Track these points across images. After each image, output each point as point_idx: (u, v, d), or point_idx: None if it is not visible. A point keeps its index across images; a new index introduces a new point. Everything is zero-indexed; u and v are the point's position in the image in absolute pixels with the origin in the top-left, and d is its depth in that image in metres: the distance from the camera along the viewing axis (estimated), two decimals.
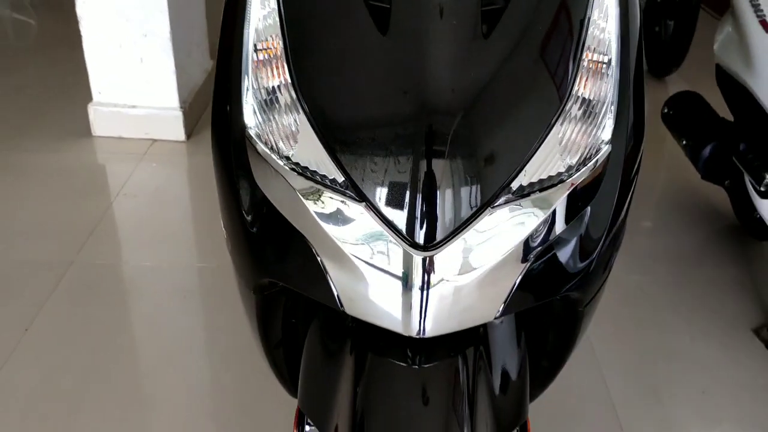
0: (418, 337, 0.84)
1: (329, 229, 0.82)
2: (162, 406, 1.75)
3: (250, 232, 0.92)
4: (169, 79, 2.92)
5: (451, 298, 0.82)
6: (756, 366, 1.94)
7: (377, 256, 0.81)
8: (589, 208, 0.88)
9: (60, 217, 2.46)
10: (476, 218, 0.80)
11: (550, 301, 0.96)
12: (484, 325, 1.00)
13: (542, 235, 0.84)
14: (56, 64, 3.69)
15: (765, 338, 2.02)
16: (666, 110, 2.41)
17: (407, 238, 0.79)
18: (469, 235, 0.80)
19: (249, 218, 0.92)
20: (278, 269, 0.93)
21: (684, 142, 2.26)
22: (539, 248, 0.84)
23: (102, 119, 2.98)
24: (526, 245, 0.83)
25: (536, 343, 1.09)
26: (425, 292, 0.81)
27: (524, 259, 0.84)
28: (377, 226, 0.80)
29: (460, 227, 0.80)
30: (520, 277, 0.85)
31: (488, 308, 0.86)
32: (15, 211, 2.50)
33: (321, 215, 0.82)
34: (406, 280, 0.81)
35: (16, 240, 2.34)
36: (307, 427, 1.11)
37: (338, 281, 0.85)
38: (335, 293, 0.86)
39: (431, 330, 0.84)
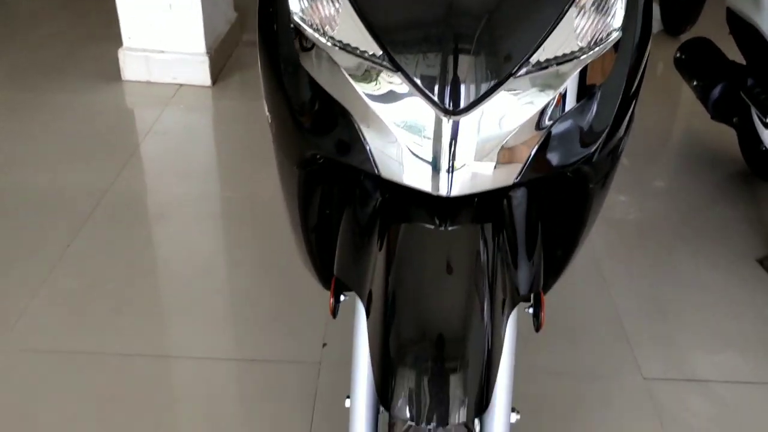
0: (445, 195, 0.94)
1: (368, 99, 0.92)
2: (197, 310, 1.88)
3: (296, 110, 1.03)
4: (196, 25, 3.02)
5: (476, 160, 0.92)
6: (759, 291, 2.03)
7: (410, 121, 0.91)
8: (600, 88, 0.98)
9: (95, 151, 2.59)
10: (500, 87, 0.90)
11: (563, 177, 1.06)
12: (503, 202, 1.10)
13: (558, 107, 0.94)
14: (87, 14, 3.80)
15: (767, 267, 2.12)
16: (678, 55, 2.49)
17: (438, 103, 0.89)
18: (494, 101, 0.90)
19: (295, 98, 1.02)
20: (322, 142, 1.03)
21: (695, 83, 2.34)
22: (555, 119, 0.94)
23: (131, 63, 3.09)
24: (543, 115, 0.93)
25: (550, 225, 1.19)
26: (452, 153, 0.91)
27: (541, 127, 0.94)
28: (411, 94, 0.90)
29: (485, 94, 0.89)
30: (537, 145, 0.95)
31: (509, 171, 0.96)
32: (54, 144, 2.63)
33: (361, 86, 0.92)
34: (436, 142, 0.91)
35: (55, 169, 2.47)
36: (342, 297, 1.22)
37: (375, 147, 0.95)
38: (372, 158, 0.96)
39: (457, 189, 0.94)
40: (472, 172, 0.93)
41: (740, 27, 2.15)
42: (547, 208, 1.17)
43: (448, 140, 0.90)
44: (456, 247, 1.04)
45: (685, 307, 1.96)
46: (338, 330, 1.82)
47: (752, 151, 2.47)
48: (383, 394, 0.96)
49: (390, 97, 0.92)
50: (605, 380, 1.72)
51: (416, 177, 0.94)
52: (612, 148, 1.05)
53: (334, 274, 1.17)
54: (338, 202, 1.20)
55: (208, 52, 3.08)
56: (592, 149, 1.00)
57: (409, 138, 0.92)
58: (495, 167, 0.94)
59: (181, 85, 3.10)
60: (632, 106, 1.04)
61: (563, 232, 1.19)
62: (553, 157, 0.98)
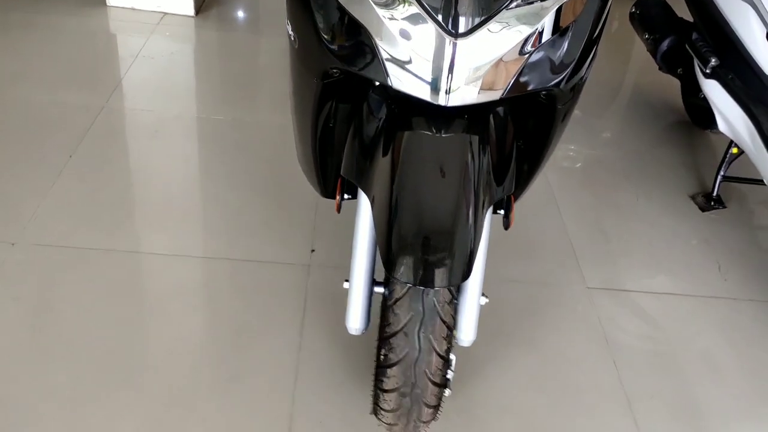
0: (443, 105, 1.17)
1: (386, 20, 1.13)
2: (194, 217, 2.08)
3: (321, 28, 1.22)
4: None
5: (471, 75, 1.14)
6: (688, 221, 2.34)
7: (420, 41, 1.13)
8: (571, 26, 1.21)
9: (87, 72, 2.72)
10: (494, 17, 1.11)
11: (537, 100, 1.30)
12: (487, 119, 1.33)
13: (537, 39, 1.17)
14: None
15: (698, 203, 2.42)
16: (633, 10, 2.74)
17: (443, 27, 1.10)
18: (488, 29, 1.12)
19: (320, 17, 1.22)
20: (344, 56, 1.23)
21: (647, 36, 2.60)
22: (535, 48, 1.17)
23: None
24: (526, 44, 1.16)
25: (524, 140, 1.43)
26: (452, 70, 1.13)
27: (523, 54, 1.17)
28: (422, 19, 1.11)
29: (482, 22, 1.11)
30: (520, 69, 1.17)
31: (496, 88, 1.19)
32: (47, 65, 2.75)
33: (381, 10, 1.13)
34: (439, 60, 1.13)
35: (52, 87, 2.60)
36: (346, 196, 1.45)
37: (388, 62, 1.17)
38: (385, 71, 1.17)
39: (454, 100, 1.16)
40: (467, 87, 1.16)
41: None
42: (522, 125, 1.41)
43: (449, 59, 1.12)
44: (449, 153, 1.26)
45: (625, 233, 2.25)
46: (325, 237, 2.06)
47: (691, 101, 2.77)
48: (389, 265, 1.20)
49: (404, 21, 1.13)
50: (555, 287, 2.00)
51: (421, 88, 1.16)
52: (578, 77, 1.28)
53: (341, 174, 1.39)
54: (347, 115, 1.41)
55: None
56: (562, 75, 1.24)
57: (418, 55, 1.13)
58: (485, 84, 1.17)
59: (165, 13, 3.22)
60: (595, 45, 1.27)
61: (533, 147, 1.44)
62: (532, 79, 1.21)
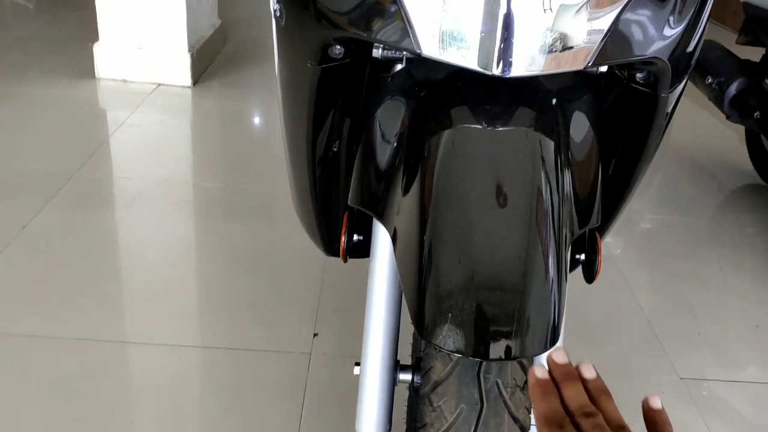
0: (500, 75, 0.75)
1: None
2: (166, 296, 1.64)
3: None
4: (179, 20, 2.85)
5: (540, 29, 0.73)
6: None
7: None
8: None
9: (63, 140, 2.36)
10: None
11: (631, 88, 0.88)
12: (565, 110, 0.91)
13: None
14: (63, 19, 3.62)
15: None
16: None
17: None
18: None
19: None
20: (349, 19, 0.83)
21: (709, 81, 2.21)
22: None
23: (107, 60, 2.89)
24: None
25: (612, 145, 0.99)
26: (512, 17, 0.72)
27: (615, 1, 0.76)
28: None
29: None
30: (613, 20, 0.76)
31: (579, 52, 0.77)
32: (18, 133, 2.40)
33: None
34: (490, 5, 0.72)
35: (18, 157, 2.23)
36: (355, 237, 1.01)
37: (415, 14, 0.76)
38: (412, 31, 0.77)
39: (517, 67, 0.74)
40: (535, 46, 0.74)
41: (759, 20, 2.04)
42: (610, 123, 0.98)
43: (505, 4, 0.71)
44: (510, 158, 0.83)
45: (716, 310, 1.77)
46: (331, 318, 1.60)
47: (761, 156, 2.36)
48: (423, 325, 0.74)
49: None
50: (639, 378, 1.50)
51: (466, 52, 0.75)
52: (690, 47, 0.86)
53: (349, 203, 0.95)
54: (356, 115, 0.99)
55: (190, 51, 2.90)
56: (672, 38, 0.82)
57: (460, 2, 0.73)
58: (563, 43, 0.75)
59: (159, 84, 2.91)
60: (708, 13, 0.87)
61: (624, 155, 1.00)
62: (631, 40, 0.79)
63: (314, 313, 1.61)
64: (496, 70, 0.75)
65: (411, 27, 0.76)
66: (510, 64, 0.75)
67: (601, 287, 1.82)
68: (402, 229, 0.82)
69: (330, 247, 1.16)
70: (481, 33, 0.74)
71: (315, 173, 1.03)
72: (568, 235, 0.84)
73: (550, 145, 0.84)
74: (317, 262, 1.76)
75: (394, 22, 0.77)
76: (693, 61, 0.91)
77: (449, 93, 0.86)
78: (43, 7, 4.11)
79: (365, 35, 0.82)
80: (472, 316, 0.71)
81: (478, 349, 0.70)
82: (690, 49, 0.89)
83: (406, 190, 0.83)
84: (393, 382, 0.94)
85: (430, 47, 0.77)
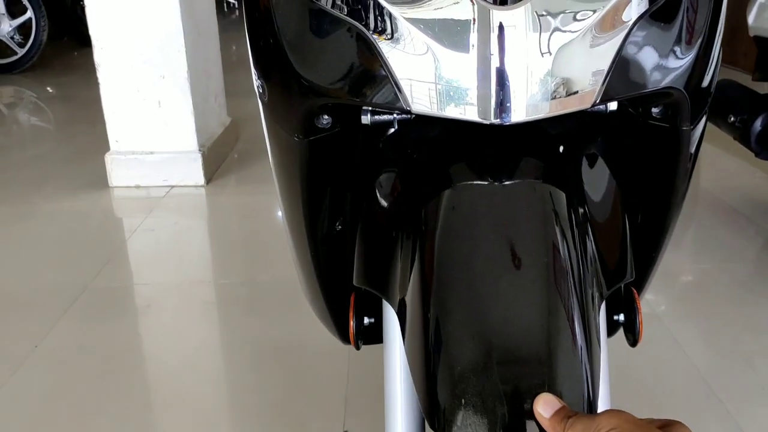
0: (499, 123, 0.68)
1: (393, 7, 0.67)
2: (187, 404, 1.54)
3: (292, 57, 0.77)
4: (187, 120, 2.86)
5: (538, 68, 0.66)
6: None
7: (448, 26, 0.66)
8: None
9: (76, 251, 2.32)
10: None
11: (648, 124, 0.80)
12: (576, 158, 0.83)
13: (641, 3, 0.69)
14: (76, 134, 3.68)
15: None
16: None
17: None
18: None
19: (289, 34, 0.77)
20: (333, 84, 0.77)
21: (732, 119, 2.13)
22: (640, 16, 0.69)
23: (119, 167, 2.89)
24: (621, 13, 0.68)
25: (636, 190, 0.90)
26: (506, 59, 0.65)
27: (619, 28, 0.69)
28: None
29: None
30: (617, 54, 0.69)
31: (585, 88, 0.69)
32: (32, 249, 2.37)
33: None
34: (483, 47, 0.65)
35: (30, 272, 2.19)
36: (366, 319, 0.92)
37: (402, 73, 0.70)
38: (399, 90, 0.70)
39: (516, 112, 0.67)
40: (535, 86, 0.67)
41: None
42: (632, 167, 0.89)
43: (497, 41, 0.65)
44: (520, 216, 0.74)
45: None
46: (360, 413, 1.49)
47: None
48: (436, 420, 0.65)
49: (423, 7, 0.67)
50: None
51: (461, 103, 0.68)
52: (707, 65, 0.78)
53: (354, 283, 0.87)
54: (351, 189, 0.92)
55: (200, 150, 2.90)
56: (685, 65, 0.74)
57: (445, 43, 0.66)
58: (566, 83, 0.68)
59: (172, 186, 2.89)
60: (723, 10, 0.79)
61: (652, 200, 0.90)
62: (639, 71, 0.72)
63: (342, 409, 1.49)
64: (495, 118, 0.67)
65: (399, 85, 0.70)
66: (509, 109, 0.67)
67: (649, 348, 1.69)
68: (407, 306, 0.73)
69: (343, 333, 1.07)
70: (476, 81, 0.67)
71: (318, 253, 0.95)
72: (596, 294, 0.74)
73: (562, 196, 0.76)
74: (341, 353, 1.66)
75: (381, 81, 0.71)
76: (712, 90, 0.83)
77: (444, 150, 0.79)
78: (61, 126, 4.20)
79: (351, 99, 0.75)
80: (490, 400, 0.61)
81: None
82: (707, 76, 0.80)
83: (407, 263, 0.75)
84: None
85: (421, 103, 0.70)
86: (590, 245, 0.77)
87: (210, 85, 3.09)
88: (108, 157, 2.90)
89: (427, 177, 0.79)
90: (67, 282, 2.09)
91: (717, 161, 2.96)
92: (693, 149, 0.85)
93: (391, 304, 0.78)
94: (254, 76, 0.87)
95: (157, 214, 2.63)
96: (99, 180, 2.92)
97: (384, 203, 0.85)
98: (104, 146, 2.93)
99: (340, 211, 0.93)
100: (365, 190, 0.87)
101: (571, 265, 0.71)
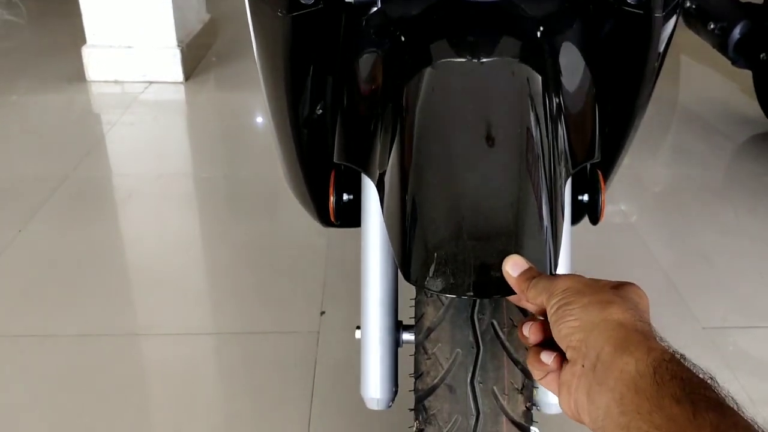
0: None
1: None
2: (170, 286, 1.60)
3: None
4: (166, 15, 2.80)
5: None
6: None
7: None
8: None
9: (57, 143, 2.32)
10: None
11: (623, 10, 0.82)
12: (553, 38, 0.86)
13: None
14: (50, 29, 3.60)
15: None
16: (689, 5, 2.30)
17: None
18: None
19: None
20: None
21: (711, 27, 2.15)
22: None
23: (96, 61, 2.85)
24: None
25: (607, 74, 0.93)
26: None
27: None
28: None
29: None
30: None
31: None
32: (11, 139, 2.37)
33: None
34: None
35: (11, 162, 2.20)
36: (345, 196, 0.96)
37: None
38: None
39: None
40: None
41: None
42: (605, 53, 0.92)
43: None
44: (494, 93, 0.77)
45: (733, 256, 1.71)
46: (338, 295, 1.55)
47: None
48: (409, 267, 0.70)
49: None
50: (664, 332, 1.45)
51: None
52: None
53: (335, 160, 0.90)
54: (334, 66, 0.94)
55: (179, 45, 2.86)
56: None
57: None
58: None
59: (151, 81, 2.87)
60: None
61: (623, 86, 0.93)
62: None
63: (321, 292, 1.56)
64: None
65: None
66: None
67: (616, 244, 1.76)
68: (387, 178, 0.77)
69: (324, 216, 1.11)
70: None
71: (300, 136, 0.98)
72: (563, 172, 0.79)
73: (538, 78, 0.79)
74: (321, 242, 1.72)
75: None
76: None
77: (426, 27, 0.81)
78: (33, 19, 4.08)
79: None
80: (460, 254, 0.66)
81: (469, 286, 0.65)
82: None
83: (388, 137, 0.78)
84: (396, 343, 0.89)
85: None
86: (561, 126, 0.81)
87: None
88: (85, 50, 2.85)
89: (408, 55, 0.81)
90: (49, 172, 2.10)
91: (696, 76, 2.99)
92: (662, 47, 0.88)
93: (370, 178, 0.81)
94: None
95: (136, 109, 2.61)
96: (76, 74, 2.88)
97: (366, 82, 0.87)
98: (80, 40, 2.87)
99: (322, 94, 0.95)
100: (348, 70, 0.90)
101: (542, 144, 0.75)
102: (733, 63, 2.15)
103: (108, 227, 1.85)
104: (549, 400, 0.86)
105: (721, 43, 2.15)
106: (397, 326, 0.88)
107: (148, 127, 2.47)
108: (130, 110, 2.59)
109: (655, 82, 0.93)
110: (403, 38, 0.83)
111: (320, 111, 0.97)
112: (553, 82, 0.81)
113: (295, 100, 0.93)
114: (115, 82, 2.87)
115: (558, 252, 0.73)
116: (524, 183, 0.73)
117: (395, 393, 0.89)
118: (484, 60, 0.78)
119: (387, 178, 0.77)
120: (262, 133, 2.46)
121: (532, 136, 0.75)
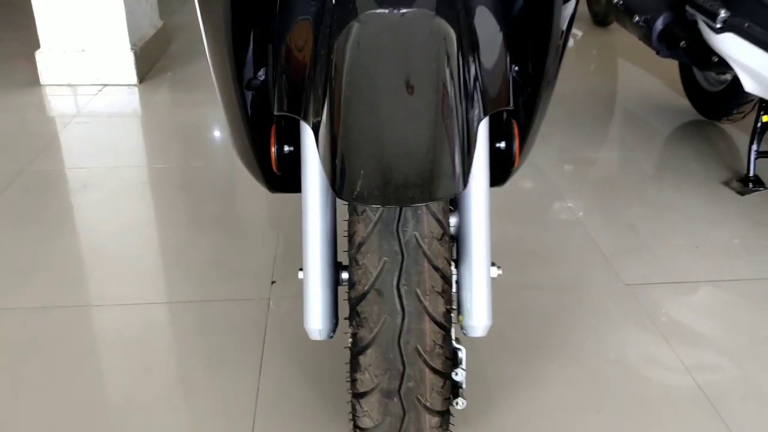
0: None
1: None
2: (122, 263, 1.66)
3: None
4: (118, 19, 2.87)
5: None
6: (728, 209, 1.93)
7: None
8: None
9: (11, 141, 2.37)
10: None
11: None
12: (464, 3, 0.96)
13: None
14: (2, 39, 3.62)
15: (734, 187, 2.03)
16: (617, 1, 2.45)
17: None
18: None
19: None
20: None
21: (636, 19, 2.30)
22: None
23: (50, 65, 2.90)
24: None
25: (517, 32, 1.05)
26: None
27: None
28: None
29: None
30: None
31: None
32: None
33: None
34: None
35: None
36: (286, 147, 1.05)
37: None
38: None
39: None
40: None
41: None
42: (515, 16, 1.04)
43: None
44: (415, 43, 0.87)
45: (657, 225, 1.84)
46: (288, 266, 1.64)
47: (695, 90, 2.47)
48: (338, 183, 0.79)
49: None
50: (587, 289, 1.56)
51: None
52: None
53: (274, 112, 0.99)
54: (269, 20, 1.02)
55: (132, 49, 2.92)
56: None
57: None
58: None
59: (105, 85, 2.92)
60: None
61: (533, 47, 1.05)
62: None
63: (271, 264, 1.64)
64: None
65: None
66: None
67: (547, 216, 1.88)
68: (321, 123, 0.86)
69: (268, 177, 1.19)
70: None
71: (243, 98, 1.06)
72: (476, 113, 0.89)
73: (452, 31, 0.89)
74: (273, 221, 1.80)
75: None
76: None
77: None
78: None
79: None
80: (383, 171, 0.76)
81: (390, 198, 0.74)
82: None
83: (321, 87, 0.88)
84: (336, 281, 0.99)
85: None
86: (475, 74, 0.91)
87: None
88: (38, 55, 2.90)
89: (336, 9, 0.91)
90: (3, 167, 2.15)
91: (622, 73, 3.16)
92: (565, 24, 1.00)
93: (308, 124, 0.91)
94: None
95: (91, 109, 2.67)
96: (30, 78, 2.93)
97: (300, 37, 0.97)
98: (34, 46, 2.92)
99: (264, 58, 1.05)
100: (284, 28, 0.99)
101: (455, 90, 0.85)
102: (658, 53, 2.30)
103: (62, 215, 1.90)
104: (473, 323, 0.96)
105: (645, 35, 2.30)
106: (337, 267, 0.98)
107: (102, 124, 2.53)
108: (84, 111, 2.64)
109: (562, 53, 1.04)
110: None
111: (262, 76, 1.06)
112: (467, 36, 0.91)
113: (238, 65, 1.02)
114: (69, 85, 2.92)
115: (471, 159, 0.83)
116: (438, 122, 0.83)
117: (336, 325, 0.98)
118: (404, 11, 0.88)
119: (321, 122, 0.86)
120: (214, 129, 2.54)
121: (447, 82, 0.85)
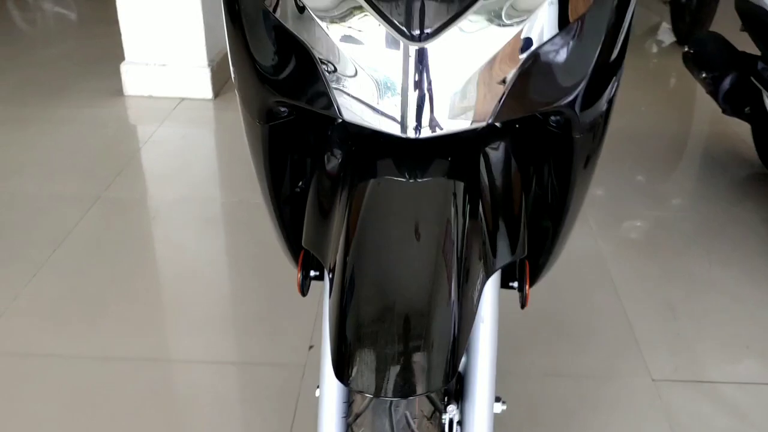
0: (413, 137, 0.86)
1: (332, 35, 0.84)
2: (181, 313, 1.80)
3: (256, 54, 0.94)
4: (198, 37, 3.00)
5: (446, 93, 0.83)
6: None
7: (373, 55, 0.83)
8: (583, 19, 0.88)
9: (91, 160, 2.55)
10: (468, 10, 0.81)
11: (545, 129, 0.97)
12: (479, 157, 1.01)
13: (535, 36, 0.85)
14: (96, 36, 3.83)
15: None
16: (687, 49, 2.39)
17: (402, 28, 0.81)
18: (461, 26, 0.81)
19: (255, 41, 0.95)
20: (284, 86, 0.95)
21: (704, 75, 2.24)
22: (531, 51, 0.85)
23: (133, 78, 3.07)
24: (518, 46, 0.84)
25: (534, 184, 1.09)
26: (419, 86, 0.82)
27: (515, 60, 0.84)
28: (370, 17, 0.82)
29: (452, 18, 0.81)
30: (512, 80, 0.85)
31: (483, 109, 0.86)
32: (50, 155, 2.60)
33: (325, 24, 0.85)
34: (401, 75, 0.82)
35: (48, 178, 2.43)
36: (312, 273, 1.14)
37: (336, 87, 0.87)
38: (334, 100, 0.88)
39: (426, 129, 0.85)
40: (442, 110, 0.85)
41: (751, 14, 2.06)
42: (529, 164, 1.08)
43: (414, 72, 0.82)
44: (426, 206, 0.94)
45: (698, 309, 1.83)
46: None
47: (766, 145, 2.38)
48: (338, 367, 0.87)
49: (355, 33, 0.84)
50: (610, 381, 1.60)
51: (381, 117, 0.86)
52: (598, 90, 0.95)
53: (303, 245, 1.08)
54: (305, 167, 1.12)
55: (209, 65, 3.06)
56: (574, 89, 0.91)
57: (373, 74, 0.84)
58: (467, 104, 0.86)
59: (183, 98, 3.08)
60: (619, 45, 0.94)
61: (549, 193, 1.09)
62: (531, 95, 0.89)
63: (311, 327, 1.74)
64: (410, 133, 0.86)
65: (331, 93, 0.88)
66: (420, 127, 0.86)
67: (584, 286, 1.90)
68: (334, 270, 0.94)
69: (294, 260, 1.28)
70: (388, 97, 0.85)
71: (282, 213, 1.16)
72: (481, 265, 0.94)
73: (461, 193, 0.95)
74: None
75: (319, 89, 0.89)
76: (606, 105, 0.99)
77: (374, 148, 0.97)
78: (84, 19, 4.33)
79: (295, 100, 0.94)
80: (377, 360, 0.83)
81: (379, 389, 0.82)
82: (600, 95, 0.97)
83: (339, 234, 0.95)
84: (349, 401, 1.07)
85: (350, 114, 0.89)
86: (482, 225, 0.96)
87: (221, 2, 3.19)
88: (123, 67, 3.07)
89: (359, 167, 0.98)
90: (82, 191, 2.33)
91: (699, 106, 3.07)
92: (590, 150, 1.03)
93: (325, 267, 0.99)
94: (230, 64, 1.06)
95: (167, 126, 2.83)
96: (115, 88, 3.11)
97: (327, 181, 1.05)
98: (121, 52, 3.08)
99: (302, 174, 1.13)
100: (314, 169, 1.08)
101: (460, 240, 0.91)
102: (723, 111, 2.25)
103: (131, 250, 2.06)
104: None
105: (711, 92, 2.24)
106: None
107: (177, 146, 2.68)
108: (160, 129, 2.80)
109: (584, 192, 1.08)
110: (356, 152, 1.00)
111: (302, 186, 1.15)
112: (475, 193, 0.97)
113: (275, 185, 1.12)
114: (150, 97, 3.09)
115: (464, 334, 0.89)
116: (439, 272, 0.89)
117: None
118: (418, 180, 0.94)
119: (334, 269, 0.94)
120: None
121: (450, 238, 0.91)
